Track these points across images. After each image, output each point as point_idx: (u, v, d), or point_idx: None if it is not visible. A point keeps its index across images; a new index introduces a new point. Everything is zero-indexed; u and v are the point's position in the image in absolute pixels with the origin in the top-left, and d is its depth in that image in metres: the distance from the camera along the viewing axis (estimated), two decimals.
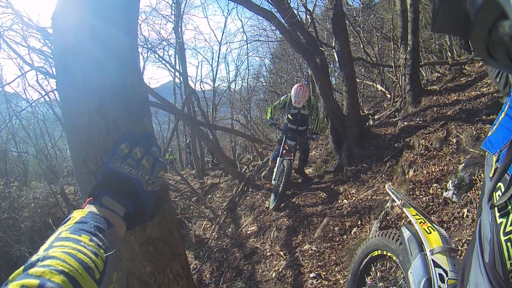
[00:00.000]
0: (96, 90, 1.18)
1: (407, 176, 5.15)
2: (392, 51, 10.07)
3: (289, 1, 7.46)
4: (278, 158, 6.62)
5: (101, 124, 1.17)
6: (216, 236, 6.61)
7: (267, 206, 6.51)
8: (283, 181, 6.14)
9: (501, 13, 0.43)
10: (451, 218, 3.83)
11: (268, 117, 6.91)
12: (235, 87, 21.22)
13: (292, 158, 6.51)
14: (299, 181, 7.19)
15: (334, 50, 7.70)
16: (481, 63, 8.33)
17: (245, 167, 10.06)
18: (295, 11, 7.77)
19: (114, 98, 1.19)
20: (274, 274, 4.58)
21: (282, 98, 7.06)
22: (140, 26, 13.82)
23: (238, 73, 22.69)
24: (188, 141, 17.26)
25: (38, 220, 11.25)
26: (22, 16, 7.43)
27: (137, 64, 1.38)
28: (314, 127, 6.88)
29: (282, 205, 6.22)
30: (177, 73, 18.05)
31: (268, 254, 5.07)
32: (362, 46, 11.15)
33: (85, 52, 1.20)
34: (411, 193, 4.53)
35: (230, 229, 6.62)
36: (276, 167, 6.61)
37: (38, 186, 14.64)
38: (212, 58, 23.41)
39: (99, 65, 1.20)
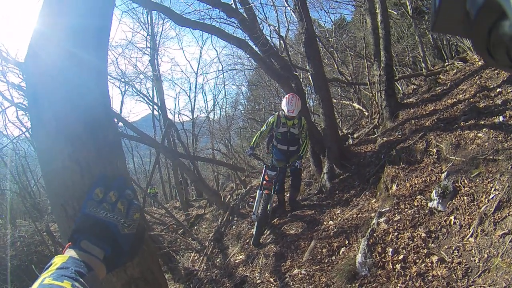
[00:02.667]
0: (69, 136, 1.19)
1: (390, 191, 5.19)
2: (367, 69, 10.26)
3: (261, 28, 7.59)
4: (258, 191, 6.28)
5: (75, 169, 1.18)
6: (205, 267, 6.52)
7: (253, 234, 6.41)
8: (259, 215, 5.93)
9: (501, 13, 0.45)
10: (439, 227, 3.85)
11: (250, 144, 6.55)
12: (214, 116, 21.40)
13: (271, 191, 6.14)
14: (288, 207, 7.11)
15: (308, 73, 7.80)
16: (455, 71, 8.51)
17: (229, 196, 9.99)
18: (268, 38, 7.88)
19: (86, 143, 1.20)
20: None
21: (269, 119, 6.46)
22: (117, 60, 13.90)
23: (216, 103, 22.93)
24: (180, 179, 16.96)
25: (25, 259, 11.01)
26: (0, 51, 7.29)
27: (107, 101, 1.39)
28: (301, 151, 6.45)
29: (262, 240, 6.11)
30: (155, 106, 18.11)
31: (258, 281, 5.00)
32: (336, 66, 11.34)
33: (62, 91, 1.21)
34: (395, 207, 4.54)
35: (218, 260, 6.53)
36: (256, 200, 6.25)
37: (23, 224, 14.34)
38: (190, 89, 23.52)
39: (81, 96, 1.22)
